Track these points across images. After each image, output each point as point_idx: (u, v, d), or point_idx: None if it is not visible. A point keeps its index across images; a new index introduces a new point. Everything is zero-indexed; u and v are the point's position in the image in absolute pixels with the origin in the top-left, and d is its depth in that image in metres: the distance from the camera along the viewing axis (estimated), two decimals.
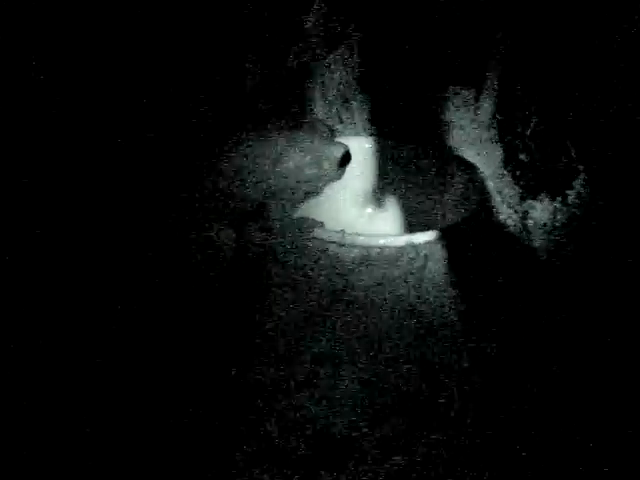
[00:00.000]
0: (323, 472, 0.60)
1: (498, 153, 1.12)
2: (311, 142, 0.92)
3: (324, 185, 0.95)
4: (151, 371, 0.71)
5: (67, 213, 0.88)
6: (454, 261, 0.87)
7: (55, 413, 0.70)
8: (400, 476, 0.60)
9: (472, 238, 0.91)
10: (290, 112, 1.03)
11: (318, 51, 0.96)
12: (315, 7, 0.90)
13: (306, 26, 0.91)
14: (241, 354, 0.72)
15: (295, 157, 0.91)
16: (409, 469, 0.60)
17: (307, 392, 0.67)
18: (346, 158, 0.94)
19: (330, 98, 1.14)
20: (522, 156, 1.08)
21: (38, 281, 0.84)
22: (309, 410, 0.65)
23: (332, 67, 1.07)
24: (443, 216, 1.02)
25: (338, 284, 0.83)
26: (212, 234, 0.86)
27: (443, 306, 0.79)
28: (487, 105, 1.18)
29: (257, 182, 0.91)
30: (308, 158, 0.92)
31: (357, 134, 1.17)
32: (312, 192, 0.95)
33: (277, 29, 0.92)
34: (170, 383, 0.69)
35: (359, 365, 0.70)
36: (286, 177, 0.92)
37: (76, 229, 0.86)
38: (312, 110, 1.07)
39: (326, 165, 0.93)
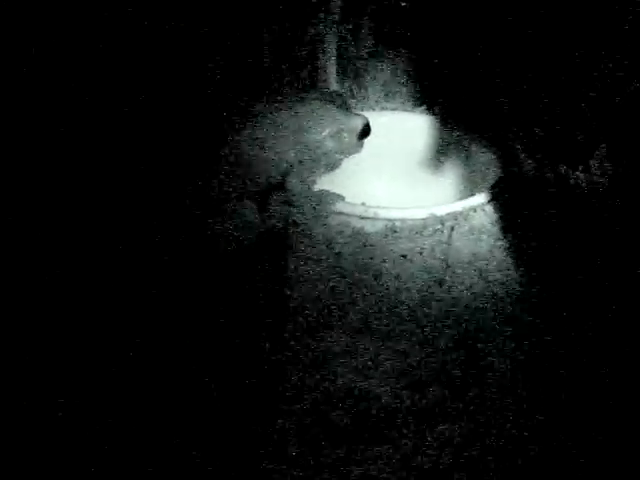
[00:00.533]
0: (365, 444, 0.60)
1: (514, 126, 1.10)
2: (330, 114, 0.91)
3: (344, 157, 0.93)
4: (184, 344, 0.69)
5: (86, 190, 0.86)
6: (479, 232, 0.86)
7: (66, 412, 0.68)
8: (444, 446, 0.59)
9: (496, 209, 0.90)
10: (306, 85, 1.01)
11: (334, 23, 0.94)
12: None
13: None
14: (273, 327, 0.71)
15: (315, 129, 0.90)
16: (453, 439, 0.60)
17: (345, 362, 0.66)
18: (366, 130, 0.93)
19: (343, 72, 1.12)
20: (537, 130, 1.07)
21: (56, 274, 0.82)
22: (348, 381, 0.64)
23: (345, 41, 1.05)
24: (466, 187, 1.00)
25: (363, 257, 0.82)
26: (235, 207, 0.84)
27: (472, 277, 0.78)
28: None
29: (278, 155, 0.90)
30: (328, 131, 0.91)
31: (370, 108, 1.15)
32: (332, 164, 0.93)
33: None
34: (204, 357, 0.68)
35: (394, 337, 0.69)
36: (306, 150, 0.90)
37: (101, 201, 0.85)
38: (326, 83, 1.04)
39: (346, 137, 0.92)
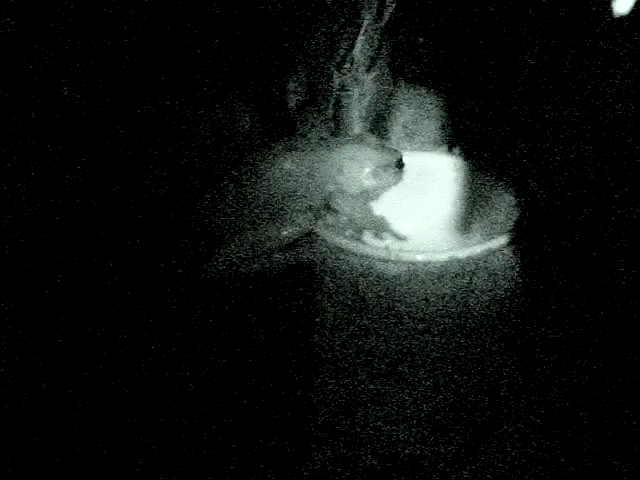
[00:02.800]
0: None
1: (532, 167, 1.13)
2: (366, 154, 0.96)
3: (383, 191, 0.98)
4: (210, 383, 0.72)
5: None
6: (498, 276, 0.89)
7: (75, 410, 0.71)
8: None
9: (515, 252, 0.93)
10: (331, 127, 1.06)
11: (359, 73, 0.98)
12: (360, 37, 0.93)
13: (352, 53, 0.94)
14: (301, 370, 0.74)
15: (354, 169, 0.94)
16: None
17: (372, 407, 0.69)
18: (401, 163, 0.99)
19: (365, 115, 1.16)
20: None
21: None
22: (376, 425, 0.67)
23: (368, 87, 1.09)
24: (486, 229, 1.03)
25: (387, 300, 0.85)
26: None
27: (492, 323, 0.81)
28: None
29: (311, 194, 0.94)
30: (366, 169, 0.95)
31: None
32: (372, 198, 0.99)
33: (322, 54, 0.95)
34: (230, 397, 0.71)
35: (418, 382, 0.72)
36: (346, 187, 0.95)
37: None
38: (351, 125, 1.08)
39: (383, 172, 0.97)
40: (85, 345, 0.79)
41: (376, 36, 0.96)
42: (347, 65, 0.95)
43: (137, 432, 0.69)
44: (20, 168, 0.91)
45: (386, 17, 0.95)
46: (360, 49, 0.94)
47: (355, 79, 0.98)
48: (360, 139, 0.98)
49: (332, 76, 0.95)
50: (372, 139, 0.99)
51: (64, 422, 0.70)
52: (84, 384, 0.74)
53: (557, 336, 0.78)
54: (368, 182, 0.95)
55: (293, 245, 0.92)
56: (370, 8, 0.92)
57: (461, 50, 1.21)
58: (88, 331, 0.81)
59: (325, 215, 0.94)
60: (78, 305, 0.84)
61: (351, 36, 0.93)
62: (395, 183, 0.98)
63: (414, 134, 1.21)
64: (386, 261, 0.92)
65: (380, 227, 0.97)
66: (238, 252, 0.89)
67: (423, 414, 0.68)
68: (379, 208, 1.01)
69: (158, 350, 0.78)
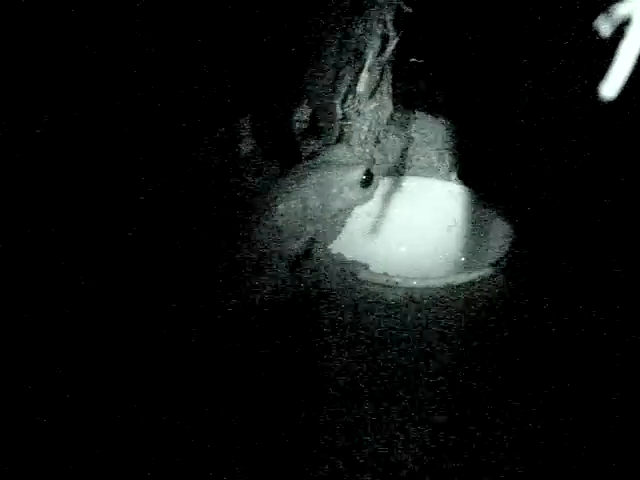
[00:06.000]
0: None
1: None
2: (328, 178, 0.94)
3: (351, 212, 0.98)
4: (213, 405, 0.76)
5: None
6: (493, 303, 0.93)
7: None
8: None
9: (509, 279, 0.97)
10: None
11: (361, 105, 1.02)
12: (364, 74, 0.97)
13: (356, 88, 0.98)
14: (303, 394, 0.78)
15: (320, 195, 0.94)
16: None
17: (372, 430, 0.72)
18: (367, 179, 0.95)
19: (364, 139, 1.20)
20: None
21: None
22: (374, 448, 0.71)
23: (368, 115, 1.13)
24: (481, 256, 1.07)
25: (386, 326, 0.89)
26: (269, 271, 0.92)
27: (488, 347, 0.85)
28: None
29: (301, 223, 0.96)
30: (331, 192, 0.94)
31: (389, 174, 1.23)
32: (344, 222, 0.98)
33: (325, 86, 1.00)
34: (232, 417, 0.75)
35: (416, 406, 0.76)
36: (323, 215, 0.96)
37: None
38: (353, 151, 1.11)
39: (350, 192, 0.95)
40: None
41: (378, 69, 1.00)
42: (350, 99, 0.99)
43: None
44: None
45: (388, 52, 0.99)
46: (364, 84, 0.99)
47: (357, 111, 1.02)
48: (323, 161, 0.97)
49: (335, 109, 0.99)
50: (340, 153, 0.98)
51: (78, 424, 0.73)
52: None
53: (553, 360, 0.82)
54: (335, 204, 0.95)
55: (294, 270, 0.96)
56: (374, 44, 0.96)
57: (461, 76, 1.25)
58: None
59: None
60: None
61: (355, 72, 0.98)
62: (364, 201, 0.97)
63: (412, 159, 1.25)
64: (384, 286, 0.96)
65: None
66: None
67: (421, 435, 0.72)
68: (371, 237, 1.04)
69: (162, 364, 0.82)
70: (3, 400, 0.77)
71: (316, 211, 0.95)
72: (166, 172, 1.05)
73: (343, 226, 1.01)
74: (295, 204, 0.94)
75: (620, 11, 0.41)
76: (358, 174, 0.96)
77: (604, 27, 0.42)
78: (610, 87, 0.42)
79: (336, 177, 0.95)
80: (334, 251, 0.99)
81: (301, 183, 0.95)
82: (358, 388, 0.78)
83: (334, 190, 0.95)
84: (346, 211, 0.99)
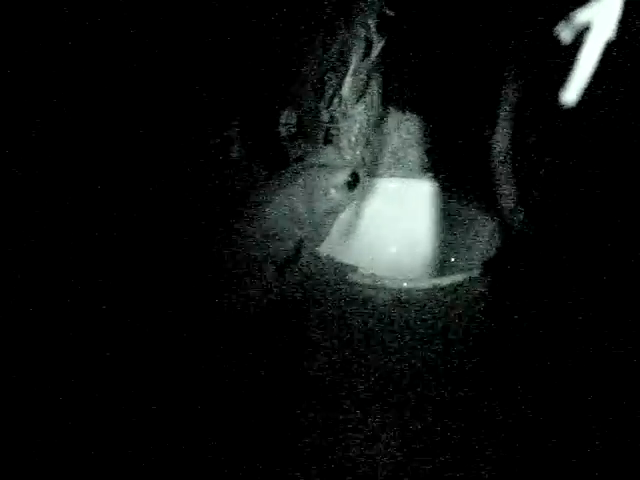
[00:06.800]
0: None
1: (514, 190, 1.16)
2: (313, 180, 0.95)
3: (340, 212, 0.97)
4: (196, 407, 0.77)
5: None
6: (479, 303, 0.94)
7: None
8: None
9: (495, 280, 0.97)
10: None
11: (347, 108, 1.03)
12: (348, 78, 0.98)
13: (341, 92, 0.99)
14: (287, 394, 0.78)
15: (305, 197, 0.94)
16: None
17: (354, 432, 0.73)
18: (353, 181, 0.95)
19: (353, 141, 1.20)
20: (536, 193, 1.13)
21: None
22: (357, 449, 0.72)
23: (356, 117, 1.13)
24: (468, 256, 1.07)
25: (372, 327, 0.90)
26: (258, 274, 0.92)
27: (475, 348, 0.86)
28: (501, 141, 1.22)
29: (286, 227, 0.97)
30: (316, 194, 0.94)
31: (379, 175, 1.23)
32: (332, 224, 0.97)
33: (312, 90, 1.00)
34: (215, 421, 0.75)
35: (399, 407, 0.77)
36: (311, 218, 0.97)
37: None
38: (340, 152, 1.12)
39: (335, 195, 0.95)
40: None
41: (364, 73, 1.01)
42: (335, 103, 1.00)
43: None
44: None
45: (374, 56, 1.00)
46: (348, 88, 0.99)
47: (344, 113, 1.03)
48: (313, 162, 0.97)
49: (321, 112, 1.00)
50: (328, 156, 0.98)
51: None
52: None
53: (542, 360, 0.83)
54: (321, 206, 0.95)
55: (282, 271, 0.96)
56: (358, 49, 0.97)
57: (449, 75, 1.26)
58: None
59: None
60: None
61: (340, 76, 0.98)
62: (348, 203, 0.97)
63: (402, 161, 1.26)
64: (371, 287, 0.96)
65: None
66: None
67: (404, 438, 0.73)
68: (359, 237, 1.04)
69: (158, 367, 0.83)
70: (3, 400, 0.77)
71: (303, 214, 0.96)
72: (152, 177, 1.05)
73: (330, 228, 1.01)
74: (282, 208, 0.95)
75: (581, 17, 0.42)
76: (344, 176, 0.96)
77: (565, 33, 0.43)
78: (571, 92, 0.43)
79: (322, 179, 0.96)
80: (322, 253, 1.00)
81: (288, 186, 0.96)
82: (342, 390, 0.79)
83: (321, 192, 0.96)
84: (333, 213, 0.99)
